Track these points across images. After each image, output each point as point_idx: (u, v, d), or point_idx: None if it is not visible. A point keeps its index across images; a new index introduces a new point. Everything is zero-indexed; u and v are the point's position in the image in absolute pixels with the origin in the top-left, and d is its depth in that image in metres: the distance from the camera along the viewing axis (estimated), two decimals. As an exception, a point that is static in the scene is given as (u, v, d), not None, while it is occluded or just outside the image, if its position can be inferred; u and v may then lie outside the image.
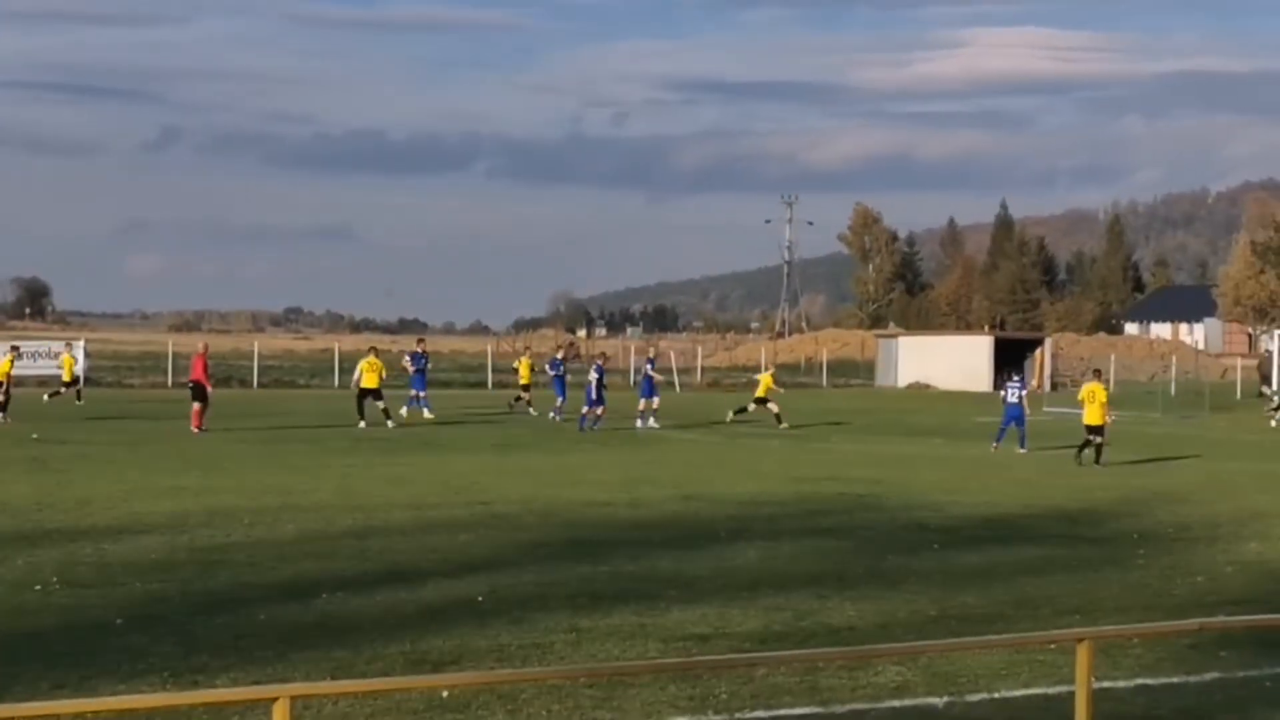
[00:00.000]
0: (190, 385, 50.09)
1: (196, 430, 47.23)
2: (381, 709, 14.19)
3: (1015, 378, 50.69)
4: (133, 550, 23.12)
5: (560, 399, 58.32)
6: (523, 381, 60.83)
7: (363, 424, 49.49)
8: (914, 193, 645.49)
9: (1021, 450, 45.89)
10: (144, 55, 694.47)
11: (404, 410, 54.90)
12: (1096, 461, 41.11)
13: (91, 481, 32.41)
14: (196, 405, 48.30)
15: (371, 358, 52.05)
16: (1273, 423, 62.06)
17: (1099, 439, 41.94)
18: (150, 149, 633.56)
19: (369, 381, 50.88)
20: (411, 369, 57.86)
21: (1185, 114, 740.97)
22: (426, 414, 54.91)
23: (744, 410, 56.88)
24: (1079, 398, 43.63)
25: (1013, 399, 47.85)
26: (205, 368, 49.58)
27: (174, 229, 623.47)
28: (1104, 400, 42.70)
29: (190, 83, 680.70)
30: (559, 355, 63.60)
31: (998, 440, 46.95)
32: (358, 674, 15.50)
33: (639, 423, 54.74)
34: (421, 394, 56.69)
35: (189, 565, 22.00)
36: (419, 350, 59.21)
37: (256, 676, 15.32)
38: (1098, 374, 46.44)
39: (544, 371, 61.77)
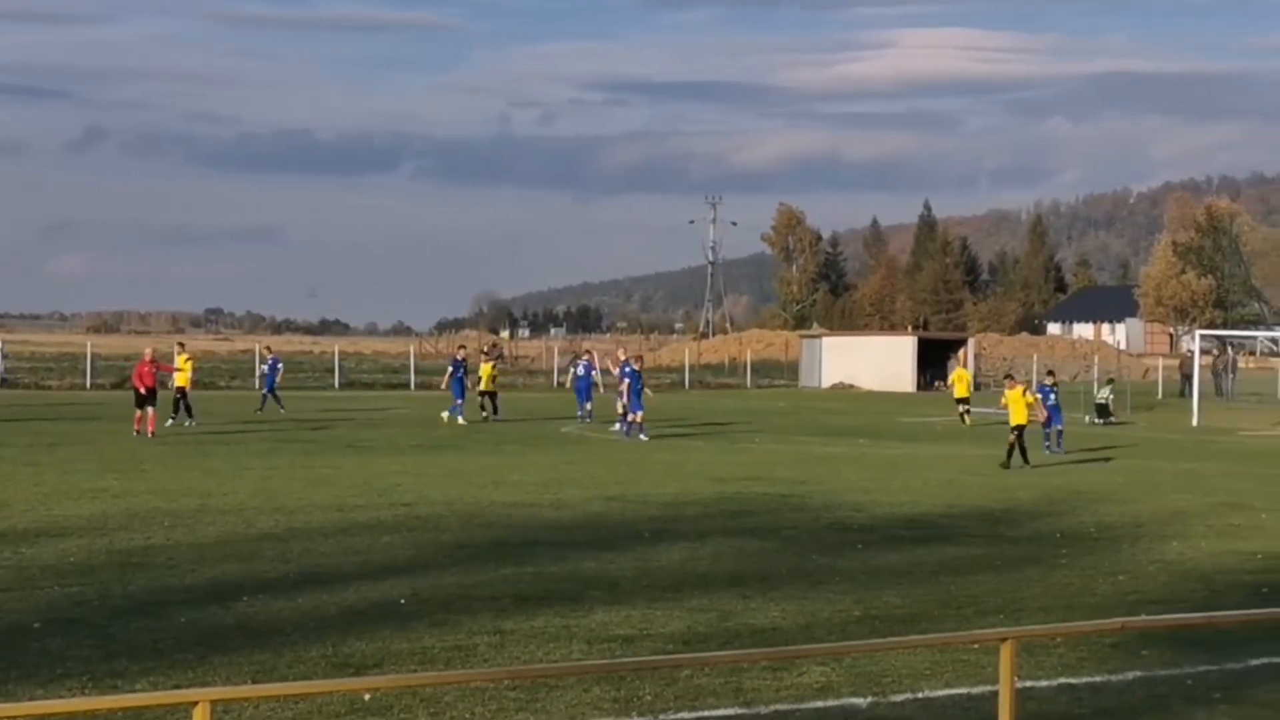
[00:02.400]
0: (140, 391, 48.81)
1: (152, 434, 46.81)
2: (303, 713, 14.08)
3: (1048, 379, 50.58)
4: (51, 553, 22.89)
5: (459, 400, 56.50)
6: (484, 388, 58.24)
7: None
8: (839, 193, 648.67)
9: (1056, 452, 45.99)
10: (68, 54, 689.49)
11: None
12: (1024, 461, 40.67)
13: (8, 484, 32.10)
14: (150, 410, 47.77)
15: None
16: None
17: (1012, 436, 41.24)
18: (74, 149, 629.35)
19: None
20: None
21: (1108, 115, 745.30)
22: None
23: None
24: (1001, 403, 43.54)
25: (1051, 401, 47.32)
26: (154, 375, 48.98)
27: (96, 230, 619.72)
28: (1030, 401, 42.30)
29: (115, 82, 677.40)
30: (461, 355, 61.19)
31: (1056, 445, 46.82)
32: (279, 677, 15.37)
33: (628, 432, 50.85)
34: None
35: (108, 568, 21.81)
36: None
37: (176, 680, 15.20)
38: (1010, 379, 45.67)
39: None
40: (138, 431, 47.11)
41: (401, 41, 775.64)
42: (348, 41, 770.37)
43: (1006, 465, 40.45)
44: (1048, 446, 46.32)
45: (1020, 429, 41.11)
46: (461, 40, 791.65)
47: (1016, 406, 41.47)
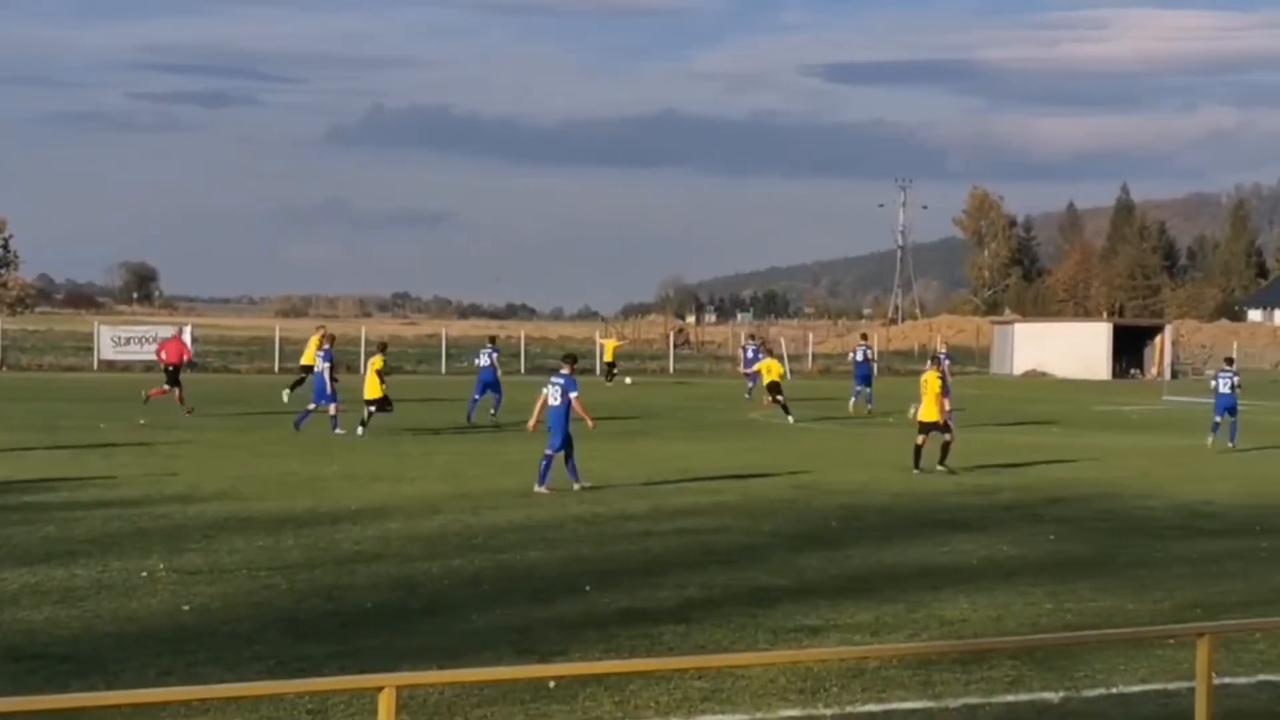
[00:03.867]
0: (165, 369, 50.15)
1: (146, 401, 48.12)
2: (488, 698, 14.05)
3: (1227, 366, 46.97)
4: (240, 538, 23.08)
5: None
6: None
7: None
8: (1033, 177, 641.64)
9: (1230, 445, 43.62)
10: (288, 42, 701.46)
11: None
12: (941, 462, 35.63)
13: (199, 467, 32.49)
14: (166, 387, 49.03)
15: None
16: None
17: (945, 436, 35.94)
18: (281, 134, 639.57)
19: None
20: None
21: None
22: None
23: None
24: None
25: (1224, 389, 44.65)
26: (181, 352, 50.37)
27: (291, 213, 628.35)
28: (937, 391, 35.90)
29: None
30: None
31: (1217, 433, 44.15)
32: (464, 663, 15.34)
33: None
34: None
35: (294, 551, 21.97)
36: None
37: (363, 665, 15.22)
38: (936, 361, 39.44)
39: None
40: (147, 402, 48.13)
41: (626, 29, 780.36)
42: (553, 29, 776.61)
43: (942, 462, 35.71)
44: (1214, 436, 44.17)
45: (929, 427, 35.83)
46: (666, 24, 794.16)
47: (927, 398, 36.01)
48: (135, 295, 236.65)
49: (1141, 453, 41.59)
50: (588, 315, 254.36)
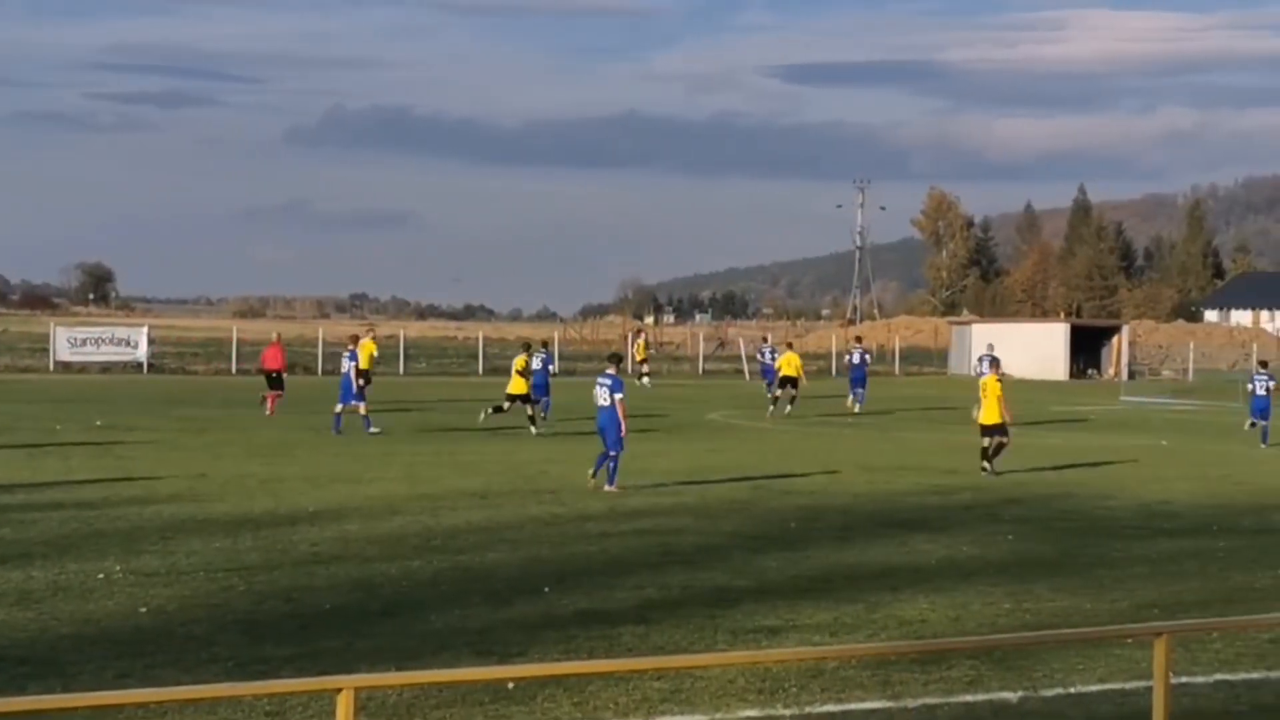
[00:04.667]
0: (268, 374, 50.80)
1: (270, 414, 48.21)
2: (447, 700, 14.03)
3: (1262, 369, 48.04)
4: (197, 539, 22.99)
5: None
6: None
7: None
8: (991, 178, 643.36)
9: (1263, 446, 44.41)
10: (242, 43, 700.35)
11: None
12: (988, 461, 35.79)
13: (156, 468, 32.37)
14: (273, 393, 49.60)
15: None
16: None
17: (1002, 439, 36.04)
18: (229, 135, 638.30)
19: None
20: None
21: (1269, 98, 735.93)
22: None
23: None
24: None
25: (1261, 391, 45.87)
26: (282, 357, 50.82)
27: (245, 215, 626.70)
28: (999, 394, 36.20)
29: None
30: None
31: (1264, 440, 45.15)
32: (423, 665, 15.34)
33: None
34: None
35: (252, 553, 21.90)
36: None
37: (321, 666, 15.19)
38: (995, 364, 38.88)
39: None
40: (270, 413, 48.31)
41: (587, 29, 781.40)
42: (510, 30, 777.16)
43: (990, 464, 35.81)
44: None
45: (992, 430, 35.93)
46: (627, 25, 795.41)
47: (987, 401, 36.23)
48: (92, 296, 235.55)
49: (1099, 453, 41.69)
50: (546, 316, 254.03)
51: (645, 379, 65.63)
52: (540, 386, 47.94)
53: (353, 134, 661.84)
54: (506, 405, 44.72)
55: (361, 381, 43.47)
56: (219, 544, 22.59)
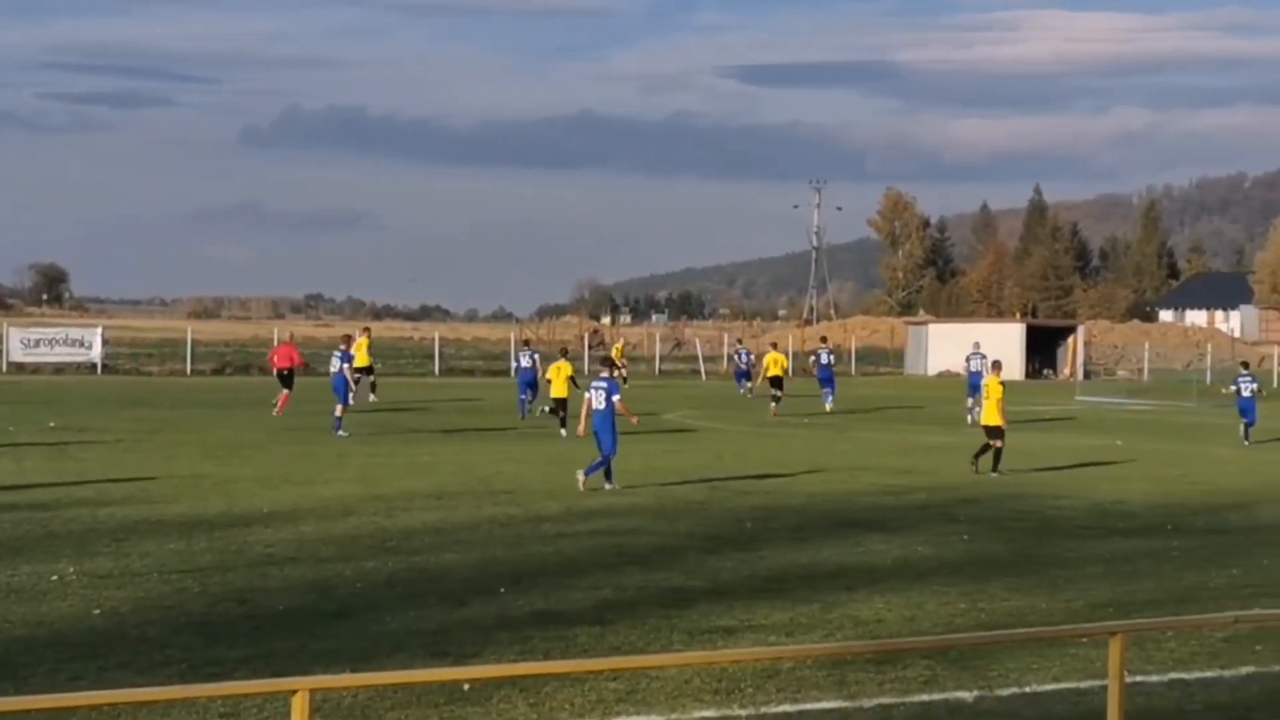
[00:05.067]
0: (279, 372, 51.45)
1: (277, 413, 48.66)
2: (402, 701, 13.99)
3: (1245, 371, 49.54)
4: (151, 541, 22.90)
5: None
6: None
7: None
8: (947, 179, 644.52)
9: (1246, 444, 45.65)
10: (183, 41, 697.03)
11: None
12: (994, 469, 35.51)
13: (111, 469, 32.25)
14: (284, 393, 50.06)
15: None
16: None
17: (997, 442, 35.83)
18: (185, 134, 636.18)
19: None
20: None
21: (1223, 98, 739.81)
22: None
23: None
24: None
25: (1246, 393, 47.18)
26: (294, 356, 51.62)
27: (198, 215, 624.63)
28: (999, 396, 36.22)
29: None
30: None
31: (1246, 437, 46.61)
32: (378, 666, 15.30)
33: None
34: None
35: (207, 554, 21.82)
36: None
37: (276, 668, 15.14)
38: (997, 367, 38.71)
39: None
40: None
41: (541, 29, 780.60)
42: (470, 30, 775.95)
43: (995, 469, 35.64)
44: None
45: (993, 432, 35.88)
46: (582, 25, 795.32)
47: (989, 402, 36.43)
48: (45, 297, 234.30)
49: (1054, 452, 41.78)
50: (503, 316, 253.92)
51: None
52: (533, 383, 50.77)
53: (308, 134, 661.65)
54: (554, 407, 45.56)
55: (359, 378, 44.10)
56: (173, 545, 22.50)
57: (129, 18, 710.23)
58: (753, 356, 71.93)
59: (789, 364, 56.55)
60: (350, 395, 43.41)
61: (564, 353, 48.97)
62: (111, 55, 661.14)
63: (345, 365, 43.35)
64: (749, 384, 67.86)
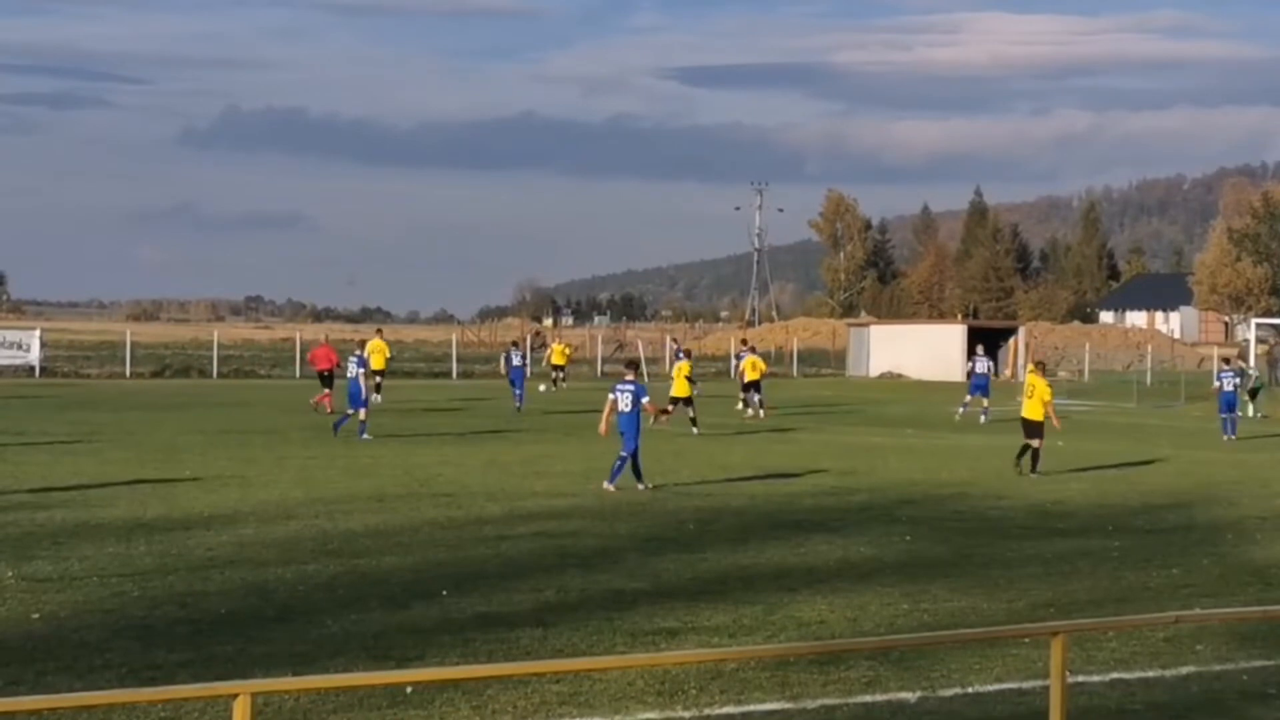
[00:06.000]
0: (320, 374, 54.39)
1: (330, 411, 50.18)
2: (344, 705, 13.93)
3: (1228, 366, 50.71)
4: (89, 545, 22.75)
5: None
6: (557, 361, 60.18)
7: None
8: (889, 181, 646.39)
9: (1232, 437, 47.24)
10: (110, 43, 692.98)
11: None
12: (1033, 469, 35.96)
13: (48, 473, 32.03)
14: (327, 391, 52.78)
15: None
16: (1252, 412, 60.56)
17: (1037, 442, 36.41)
18: (120, 136, 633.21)
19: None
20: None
21: (1161, 100, 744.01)
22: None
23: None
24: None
25: (1228, 387, 48.49)
26: (329, 357, 54.20)
27: (136, 217, 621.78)
28: (1047, 398, 36.64)
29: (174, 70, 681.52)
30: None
31: (1229, 432, 48.06)
32: (320, 669, 15.23)
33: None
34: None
35: (146, 558, 21.69)
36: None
37: (217, 672, 15.04)
38: (1041, 366, 39.25)
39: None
40: (317, 410, 51.53)
41: (480, 30, 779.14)
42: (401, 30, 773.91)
43: (1034, 470, 35.88)
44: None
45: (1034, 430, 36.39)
46: (520, 26, 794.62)
47: (1030, 400, 36.78)
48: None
49: (995, 453, 41.87)
50: (444, 318, 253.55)
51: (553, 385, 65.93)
52: (518, 380, 57.69)
53: (246, 135, 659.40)
54: (671, 409, 46.42)
55: (377, 380, 44.85)
56: (112, 549, 22.37)
57: (65, 19, 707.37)
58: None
59: (765, 368, 56.13)
60: (366, 400, 43.57)
61: (686, 354, 52.61)
62: (48, 56, 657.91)
63: (362, 371, 43.57)
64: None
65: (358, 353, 45.24)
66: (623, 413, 31.83)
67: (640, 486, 31.14)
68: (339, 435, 41.97)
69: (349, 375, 44.29)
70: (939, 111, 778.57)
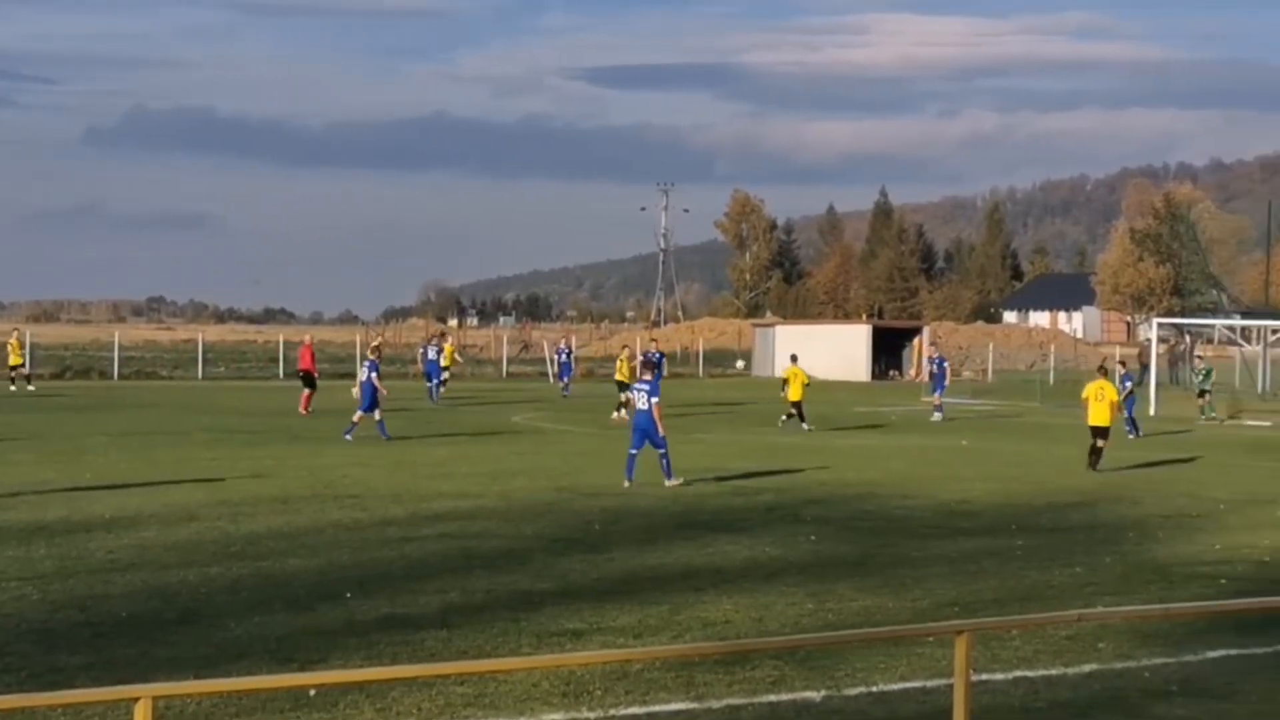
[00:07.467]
0: (300, 374, 55.70)
1: (305, 413, 52.07)
2: (247, 708, 13.85)
3: (1122, 368, 52.82)
4: (-8, 547, 22.54)
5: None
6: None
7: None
8: (795, 181, 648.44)
9: (1131, 436, 48.84)
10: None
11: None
12: (1095, 466, 37.53)
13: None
14: (306, 392, 53.79)
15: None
16: (1202, 417, 60.73)
17: (1103, 441, 38.07)
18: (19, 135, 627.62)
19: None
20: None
21: (1067, 101, 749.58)
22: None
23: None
24: (1083, 396, 39.50)
25: (1128, 389, 50.38)
26: (313, 358, 55.52)
27: (35, 216, 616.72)
28: (1114, 398, 39.15)
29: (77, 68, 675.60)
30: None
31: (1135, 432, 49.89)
32: (222, 673, 15.10)
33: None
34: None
35: (47, 561, 21.48)
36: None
37: (118, 676, 14.88)
38: (1104, 372, 41.11)
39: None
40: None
41: (390, 30, 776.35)
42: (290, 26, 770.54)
43: (1095, 467, 37.70)
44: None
45: (1101, 431, 38.12)
46: (430, 26, 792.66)
47: (1099, 404, 38.19)
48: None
49: (901, 453, 42.10)
50: (348, 319, 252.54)
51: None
52: (435, 372, 61.48)
53: (154, 135, 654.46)
54: (794, 411, 50.38)
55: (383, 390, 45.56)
56: (12, 553, 22.14)
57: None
58: (573, 354, 75.21)
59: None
60: (375, 403, 43.43)
61: (794, 359, 53.37)
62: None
63: (374, 374, 43.29)
64: (567, 381, 71.74)
65: (371, 357, 44.91)
66: (640, 411, 33.06)
67: (668, 482, 32.20)
68: (350, 438, 42.09)
69: (361, 380, 44.07)
70: (848, 112, 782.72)
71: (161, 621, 17.74)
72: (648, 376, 34.00)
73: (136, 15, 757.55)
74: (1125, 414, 48.94)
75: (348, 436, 41.81)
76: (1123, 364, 54.70)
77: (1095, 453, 37.82)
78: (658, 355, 56.35)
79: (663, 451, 32.75)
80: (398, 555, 22.76)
